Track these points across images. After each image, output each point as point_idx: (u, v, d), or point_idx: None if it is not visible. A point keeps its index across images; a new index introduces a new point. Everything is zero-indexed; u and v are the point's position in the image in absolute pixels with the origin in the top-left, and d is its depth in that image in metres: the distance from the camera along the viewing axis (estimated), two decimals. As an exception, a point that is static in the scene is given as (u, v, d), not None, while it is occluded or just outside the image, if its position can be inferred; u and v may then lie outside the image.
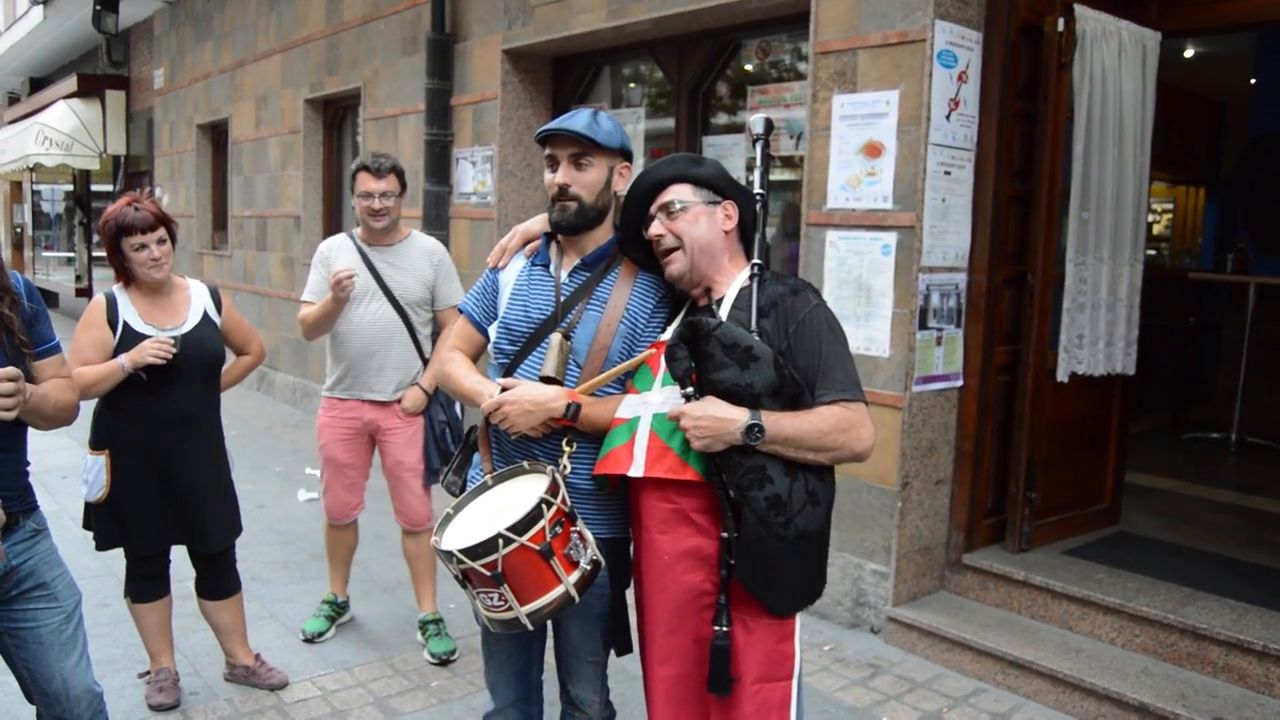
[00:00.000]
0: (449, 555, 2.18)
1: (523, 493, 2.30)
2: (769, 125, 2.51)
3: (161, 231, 3.51)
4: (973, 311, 4.57)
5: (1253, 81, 9.39)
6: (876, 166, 4.42)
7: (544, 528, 2.15)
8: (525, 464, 2.43)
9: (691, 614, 2.29)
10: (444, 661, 4.23)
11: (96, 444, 3.53)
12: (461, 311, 2.71)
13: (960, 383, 4.58)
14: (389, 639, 4.44)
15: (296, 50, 9.36)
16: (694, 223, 2.35)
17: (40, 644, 2.59)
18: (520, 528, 2.13)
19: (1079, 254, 4.58)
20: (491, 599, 2.21)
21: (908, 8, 4.31)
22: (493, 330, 2.62)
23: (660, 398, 2.28)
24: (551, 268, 2.57)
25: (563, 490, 2.25)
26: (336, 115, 9.34)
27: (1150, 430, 7.87)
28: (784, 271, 2.52)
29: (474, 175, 6.96)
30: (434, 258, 4.30)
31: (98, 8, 12.25)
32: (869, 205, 4.46)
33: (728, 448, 2.13)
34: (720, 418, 2.11)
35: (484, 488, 2.42)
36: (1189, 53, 9.14)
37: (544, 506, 2.16)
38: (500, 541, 2.12)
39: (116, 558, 3.71)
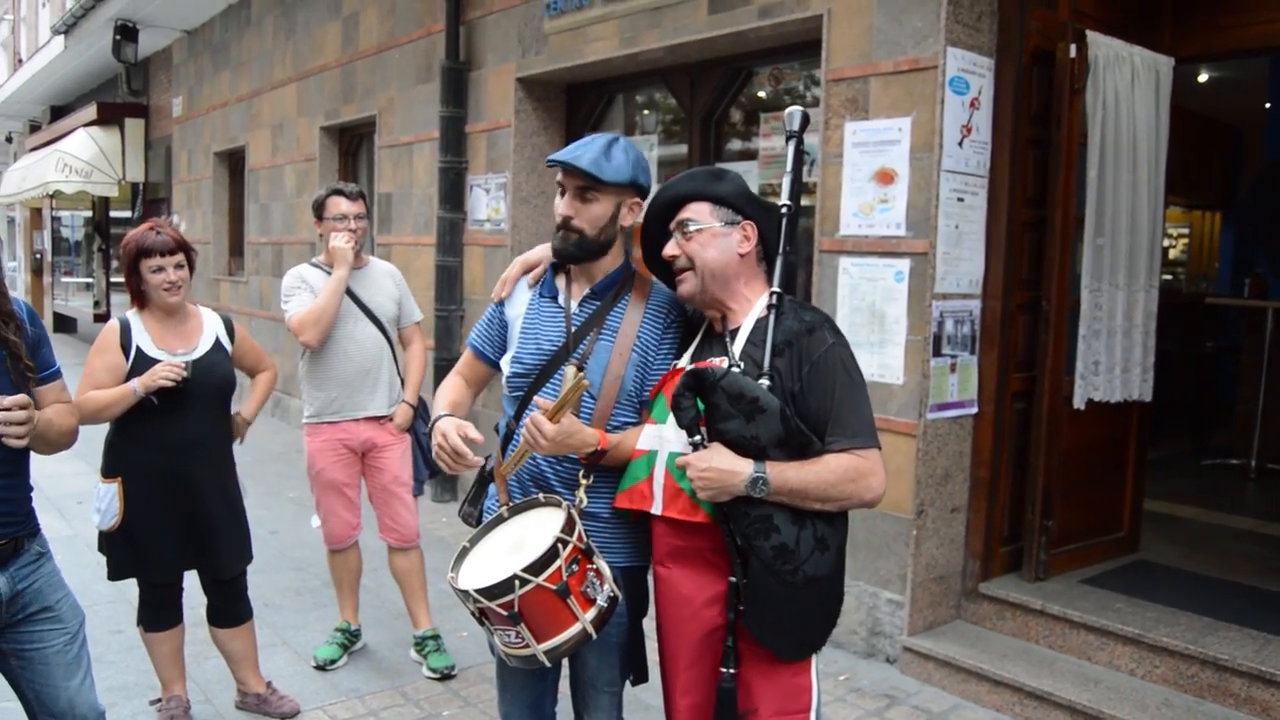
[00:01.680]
0: (465, 594, 2.17)
1: (539, 528, 2.29)
2: (805, 119, 2.41)
3: (180, 257, 3.54)
4: (987, 338, 4.55)
5: (1267, 106, 9.36)
6: (889, 193, 4.41)
7: (560, 567, 2.14)
8: (541, 497, 2.42)
9: (710, 647, 2.28)
10: (445, 677, 4.27)
11: (109, 472, 3.54)
12: (470, 346, 2.73)
13: (975, 410, 4.55)
14: (401, 667, 4.42)
15: (312, 79, 9.44)
16: (707, 245, 2.31)
17: (46, 665, 2.61)
18: (536, 568, 2.11)
19: (1094, 280, 4.55)
20: (509, 636, 2.20)
21: (919, 35, 4.32)
22: (505, 363, 2.61)
23: (675, 435, 2.25)
24: (560, 298, 2.55)
25: (579, 526, 2.24)
26: (352, 143, 9.41)
27: (1169, 456, 7.80)
28: (802, 300, 2.45)
29: (488, 202, 6.99)
30: (395, 277, 4.52)
31: (118, 37, 12.41)
32: (882, 232, 4.45)
33: (733, 498, 2.11)
34: (724, 470, 2.09)
35: (499, 520, 2.42)
36: (1203, 77, 9.12)
37: (560, 545, 2.15)
38: (516, 582, 2.11)
39: (130, 584, 3.72)
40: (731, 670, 2.20)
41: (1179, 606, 4.38)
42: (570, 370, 2.39)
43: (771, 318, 2.24)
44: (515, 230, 6.75)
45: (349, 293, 4.28)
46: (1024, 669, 4.14)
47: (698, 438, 2.14)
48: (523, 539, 2.28)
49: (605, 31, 5.93)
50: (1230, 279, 10.76)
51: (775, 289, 2.28)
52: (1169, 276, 12.09)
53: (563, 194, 2.46)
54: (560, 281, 2.58)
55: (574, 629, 2.18)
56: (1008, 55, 4.44)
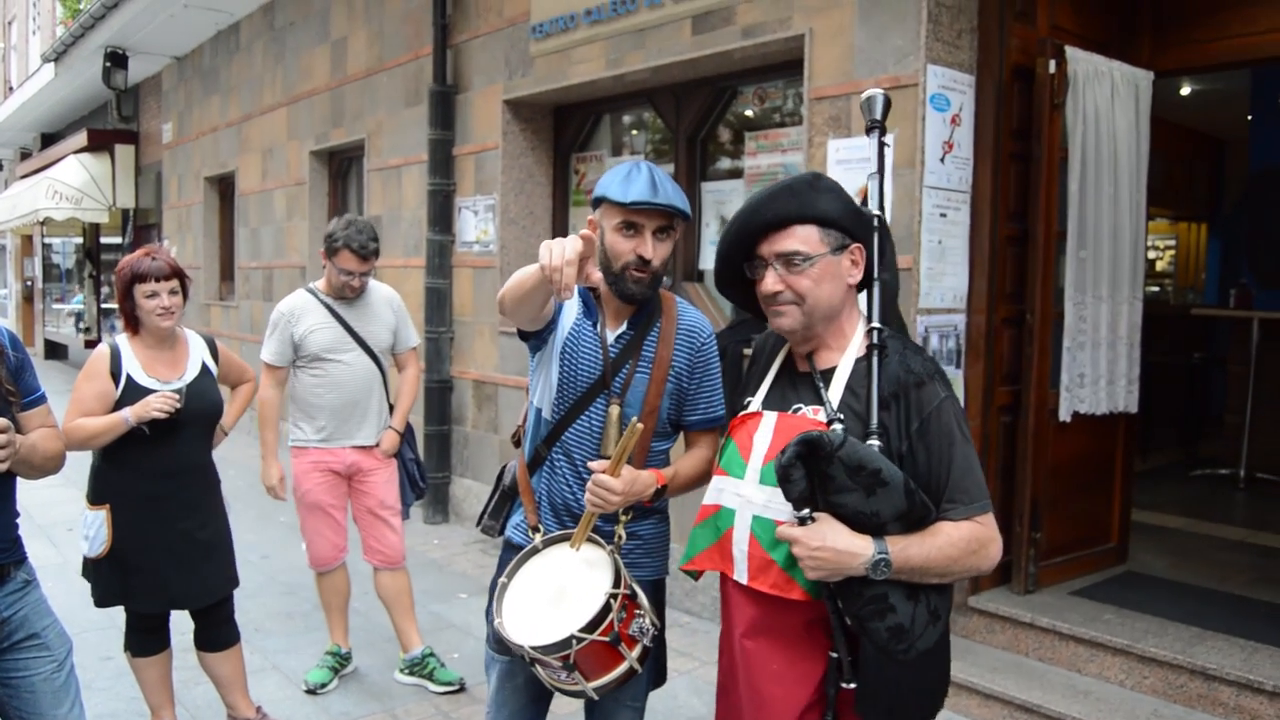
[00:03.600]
0: (519, 646, 2.21)
1: (583, 575, 2.32)
2: (887, 104, 2.17)
3: (174, 283, 3.56)
4: (972, 352, 4.57)
5: (1249, 118, 9.44)
6: (872, 209, 4.44)
7: (612, 620, 2.19)
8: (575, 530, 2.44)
9: (808, 710, 2.05)
10: (462, 688, 4.34)
11: (96, 498, 3.53)
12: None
13: (962, 423, 4.56)
14: (392, 689, 4.41)
15: (302, 103, 9.48)
16: (821, 281, 2.01)
17: (33, 693, 2.61)
18: (591, 627, 2.16)
19: (1078, 293, 4.59)
20: (559, 676, 2.25)
21: (900, 53, 4.36)
22: (541, 389, 2.53)
23: (760, 496, 2.01)
24: (597, 324, 2.48)
25: (624, 573, 2.27)
26: (341, 166, 9.44)
27: (1158, 467, 7.83)
28: (903, 338, 2.12)
29: (476, 224, 7.02)
30: (394, 304, 4.51)
31: (108, 64, 12.44)
32: (866, 248, 4.47)
33: (843, 578, 1.89)
34: (842, 550, 1.85)
35: (534, 551, 2.43)
36: (1186, 91, 9.20)
37: (611, 601, 2.19)
38: (574, 641, 2.15)
39: (119, 611, 3.71)
40: None
41: (1168, 617, 4.39)
42: (615, 411, 2.41)
43: (875, 361, 1.98)
44: (504, 252, 6.78)
45: (343, 323, 4.30)
46: (1014, 682, 4.15)
47: (805, 512, 1.89)
48: (565, 586, 2.32)
49: (591, 53, 5.98)
50: (1217, 290, 10.83)
51: (876, 324, 2.01)
52: (1156, 288, 12.17)
53: (632, 233, 2.35)
54: (595, 304, 2.51)
55: (622, 668, 2.25)
56: (988, 72, 4.49)
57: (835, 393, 2.02)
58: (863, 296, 2.14)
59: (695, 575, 2.27)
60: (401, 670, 4.50)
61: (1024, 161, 4.60)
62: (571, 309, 2.49)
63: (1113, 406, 4.82)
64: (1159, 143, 4.96)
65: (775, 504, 1.96)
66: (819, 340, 2.09)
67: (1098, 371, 4.74)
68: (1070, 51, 4.47)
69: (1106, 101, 4.62)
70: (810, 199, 2.03)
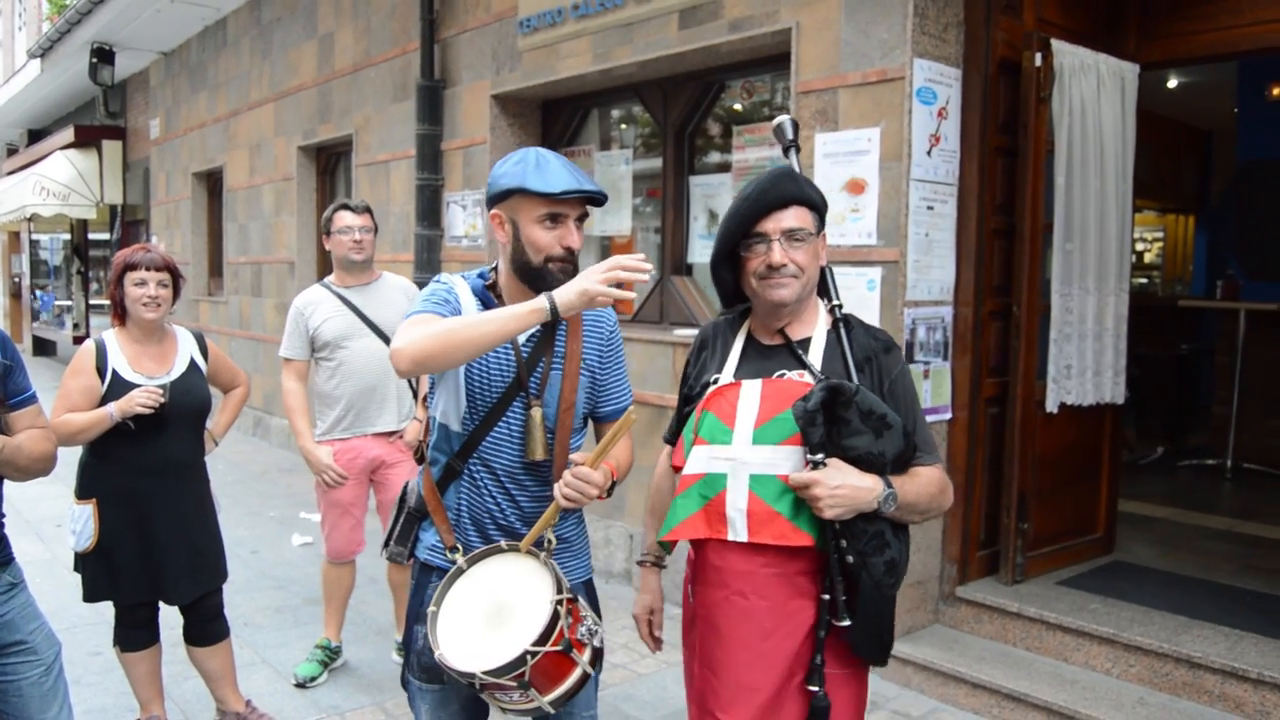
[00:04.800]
0: (469, 675, 2.08)
1: (520, 586, 2.23)
2: (795, 126, 2.39)
3: (165, 275, 3.57)
4: (959, 344, 4.59)
5: (1235, 110, 9.48)
6: (859, 203, 4.46)
7: (561, 627, 2.12)
8: (504, 544, 2.31)
9: (792, 678, 2.16)
10: None
11: (83, 493, 3.53)
12: (428, 313, 2.30)
13: (949, 415, 4.59)
14: (382, 683, 4.41)
15: (289, 99, 9.46)
16: (811, 258, 2.21)
17: (21, 697, 2.58)
18: (543, 639, 2.08)
19: (1064, 285, 4.61)
20: (511, 697, 2.15)
21: (886, 46, 4.37)
22: (446, 400, 2.40)
23: (757, 456, 2.11)
24: None
25: (563, 578, 2.21)
26: (329, 162, 9.43)
27: (1144, 458, 7.87)
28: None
29: (465, 219, 7.02)
30: (408, 292, 4.50)
31: (94, 60, 12.39)
32: (853, 241, 4.50)
33: (855, 514, 2.06)
34: (859, 487, 2.03)
35: (459, 572, 2.29)
36: (1173, 83, 9.24)
37: (559, 607, 2.12)
38: (528, 657, 2.07)
39: (108, 606, 3.71)
40: (822, 689, 2.12)
41: (1154, 606, 4.42)
42: (536, 414, 2.30)
43: (842, 332, 2.20)
44: (492, 246, 6.78)
45: (355, 310, 4.32)
46: (1001, 671, 4.17)
47: (820, 456, 2.04)
48: (504, 601, 2.21)
49: (578, 48, 5.98)
50: (1205, 281, 10.88)
51: (837, 301, 2.25)
52: (1144, 280, 12.23)
53: (549, 222, 2.26)
54: (496, 303, 2.38)
55: (575, 674, 2.17)
56: (974, 65, 4.50)
57: (815, 358, 2.20)
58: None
59: (669, 548, 2.42)
60: (396, 651, 4.60)
61: (1010, 154, 4.61)
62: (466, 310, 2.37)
63: (1099, 397, 4.85)
64: (1146, 135, 4.98)
65: (774, 460, 2.10)
66: (794, 315, 2.26)
67: (1084, 363, 4.76)
68: (1056, 44, 4.49)
69: (1092, 94, 4.64)
70: (802, 185, 2.22)
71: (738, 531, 2.12)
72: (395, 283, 4.53)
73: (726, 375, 2.25)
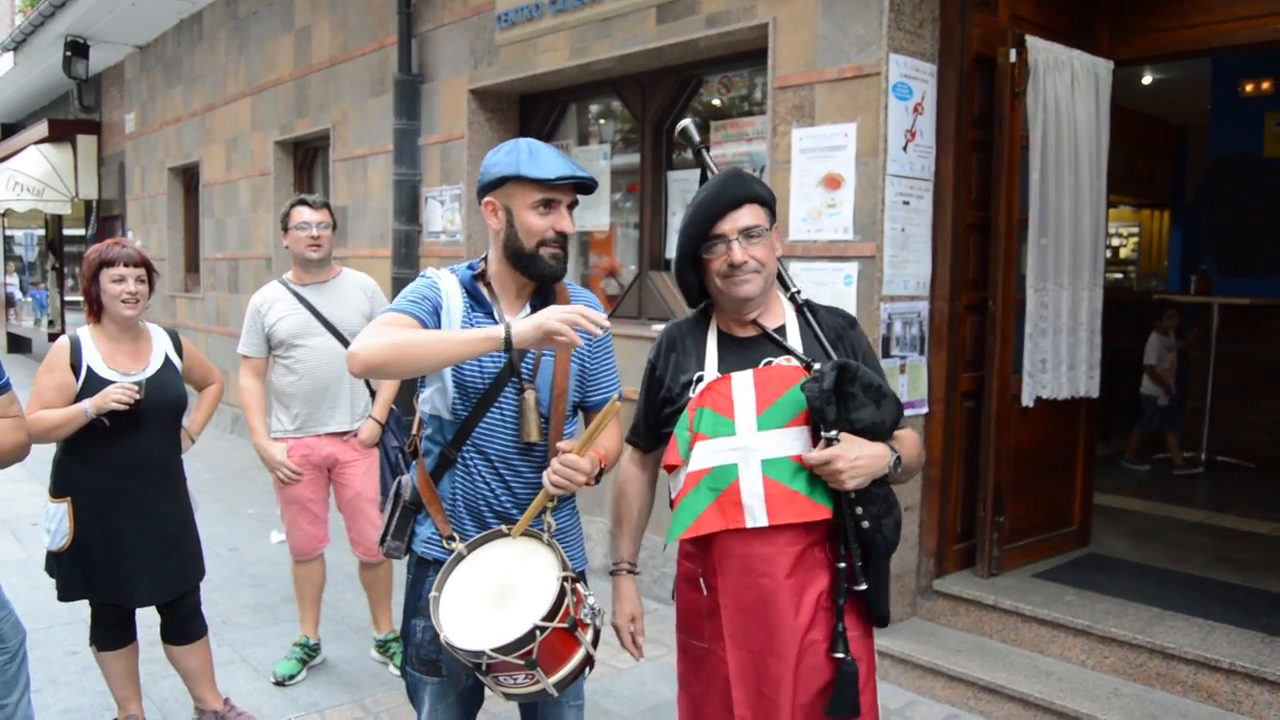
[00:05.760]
0: (476, 654, 2.12)
1: (523, 565, 2.27)
2: (699, 127, 2.54)
3: (142, 271, 3.56)
4: (935, 339, 4.62)
5: (1209, 106, 9.57)
6: (836, 198, 4.48)
7: (568, 605, 2.16)
8: (504, 528, 2.36)
9: (810, 647, 2.21)
10: None
11: (57, 491, 3.51)
12: (410, 315, 2.34)
13: (925, 410, 4.62)
14: (361, 680, 4.41)
15: (266, 93, 9.40)
16: (770, 251, 2.30)
17: None
18: (552, 614, 2.12)
19: (1039, 279, 4.64)
20: (516, 679, 2.18)
21: (862, 42, 4.39)
22: (437, 389, 2.44)
23: (765, 441, 2.19)
24: (495, 314, 2.41)
25: (567, 559, 2.26)
26: (306, 157, 9.38)
27: (1121, 452, 7.94)
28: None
29: (443, 214, 7.00)
30: (367, 290, 4.48)
31: (68, 54, 12.26)
32: (830, 236, 4.52)
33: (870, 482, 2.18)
34: (874, 455, 2.15)
35: (459, 558, 2.34)
36: (1147, 79, 9.31)
37: (565, 584, 2.16)
38: (537, 632, 2.10)
39: (85, 605, 3.69)
40: (848, 655, 2.19)
41: (1128, 598, 4.47)
42: (530, 396, 2.35)
43: (810, 315, 2.35)
44: (470, 241, 6.77)
45: (311, 308, 4.29)
46: (978, 663, 4.21)
47: (834, 433, 2.14)
48: (508, 582, 2.25)
49: (556, 42, 5.97)
50: (1179, 276, 10.97)
51: (796, 288, 2.40)
52: (1120, 275, 12.32)
53: (544, 208, 2.34)
54: (485, 293, 2.44)
55: (579, 654, 2.22)
56: (949, 61, 4.53)
57: (794, 343, 2.31)
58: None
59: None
60: (375, 648, 4.61)
61: (986, 150, 4.64)
62: (454, 310, 2.39)
63: (1074, 391, 4.89)
64: (1122, 131, 5.03)
65: (782, 443, 2.19)
66: (762, 305, 2.35)
67: (1059, 357, 4.80)
68: (1031, 41, 4.52)
69: (1067, 90, 4.67)
70: (750, 184, 2.32)
71: (756, 517, 2.18)
72: (354, 280, 4.49)
73: (711, 371, 2.31)
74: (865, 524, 2.18)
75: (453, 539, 2.40)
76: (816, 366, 2.21)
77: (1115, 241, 12.63)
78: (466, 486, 2.43)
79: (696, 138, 2.51)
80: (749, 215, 2.28)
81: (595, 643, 2.25)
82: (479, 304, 2.42)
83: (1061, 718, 3.87)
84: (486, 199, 2.40)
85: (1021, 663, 4.23)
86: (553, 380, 2.42)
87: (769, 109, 4.78)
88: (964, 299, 4.67)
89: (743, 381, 2.23)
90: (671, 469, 2.29)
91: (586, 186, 2.41)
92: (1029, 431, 4.80)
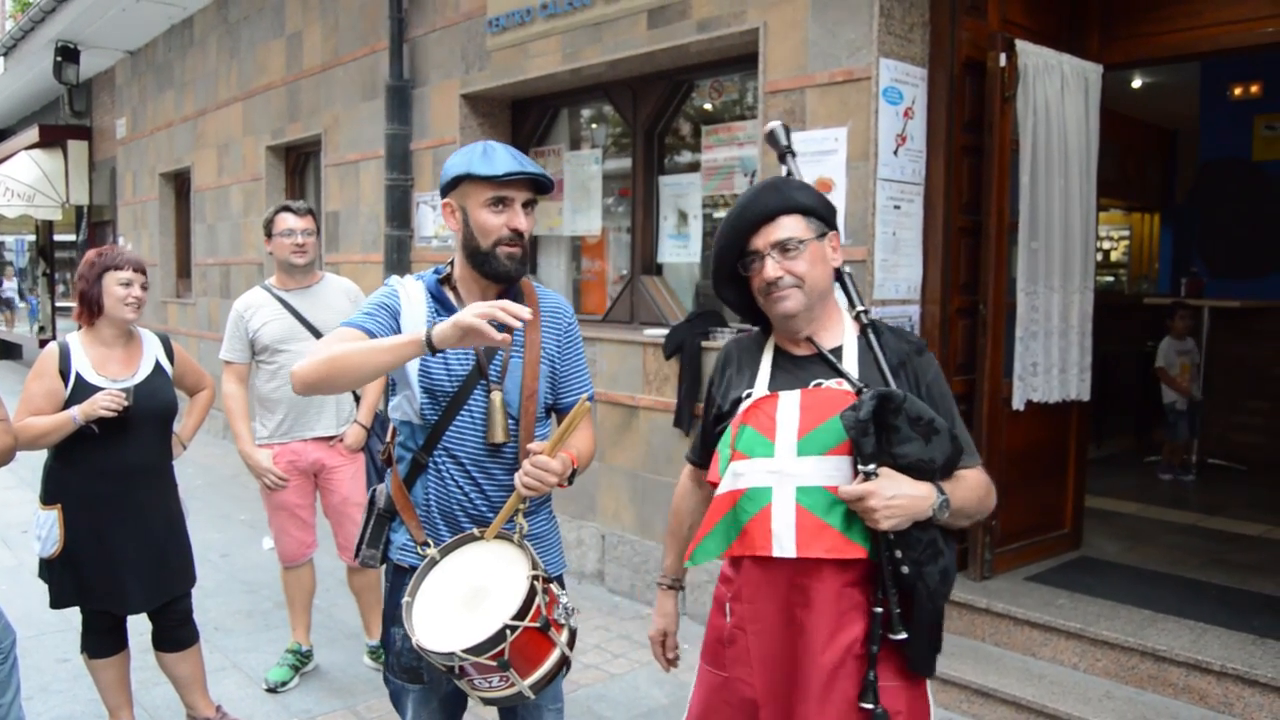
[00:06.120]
0: (447, 655, 2.10)
1: (495, 567, 2.25)
2: (788, 129, 2.37)
3: (144, 277, 3.58)
4: (927, 342, 4.61)
5: (1198, 110, 9.61)
6: (827, 202, 4.48)
7: (539, 604, 2.14)
8: (476, 531, 2.35)
9: (837, 693, 2.06)
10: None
11: (48, 499, 3.50)
12: (351, 325, 2.35)
13: (917, 413, 4.62)
14: (353, 687, 4.40)
15: (258, 98, 9.39)
16: (815, 262, 2.14)
17: None
18: (522, 613, 2.10)
19: (1030, 283, 4.65)
20: (491, 682, 2.16)
21: (853, 46, 4.40)
22: (406, 395, 2.44)
23: (802, 467, 2.05)
24: None
25: (538, 559, 2.25)
26: (298, 162, 9.37)
27: (1112, 454, 7.96)
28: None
29: (434, 219, 6.99)
30: (351, 294, 4.47)
31: (59, 59, 12.23)
32: (821, 240, 4.51)
33: (910, 524, 2.00)
34: (914, 496, 1.97)
35: (433, 563, 2.32)
36: (1138, 83, 9.34)
37: (535, 583, 2.14)
38: (508, 631, 2.08)
39: (77, 612, 3.68)
40: (877, 707, 2.03)
41: (1120, 600, 4.48)
42: (497, 398, 2.35)
43: (872, 337, 2.16)
44: (463, 246, 6.75)
45: (295, 313, 4.29)
46: (970, 667, 4.21)
47: (872, 466, 1.98)
48: (480, 584, 2.23)
49: (547, 47, 5.97)
50: (1170, 279, 11.01)
51: (861, 307, 2.21)
52: (1111, 278, 12.36)
53: (497, 206, 2.33)
54: (450, 297, 2.44)
55: (554, 656, 2.19)
56: (940, 65, 4.54)
57: (850, 366, 2.15)
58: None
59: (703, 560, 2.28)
60: (367, 654, 4.61)
61: (976, 154, 4.66)
62: (416, 316, 2.38)
63: (1065, 394, 4.90)
64: (1112, 134, 5.04)
65: (821, 472, 2.04)
66: (817, 323, 2.20)
67: (1050, 360, 4.81)
68: (1020, 45, 4.53)
69: (1056, 94, 4.68)
70: (788, 193, 2.18)
71: (784, 547, 2.04)
72: (338, 285, 4.49)
73: (760, 388, 2.19)
74: (905, 569, 2.00)
75: (427, 545, 2.39)
76: (865, 394, 2.03)
77: (1106, 244, 12.67)
78: (440, 491, 2.42)
79: (784, 141, 2.37)
80: (785, 227, 2.14)
81: (571, 644, 2.23)
82: (444, 308, 2.39)
83: (1054, 721, 3.88)
84: (444, 201, 2.41)
85: (1014, 666, 4.23)
86: (522, 381, 2.40)
87: (760, 113, 4.79)
88: (955, 302, 4.68)
89: (789, 402, 2.11)
90: (715, 485, 2.19)
91: (543, 186, 2.40)
92: (1020, 435, 4.81)
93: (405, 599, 2.26)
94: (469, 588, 2.24)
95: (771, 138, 2.41)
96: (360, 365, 2.15)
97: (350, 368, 2.16)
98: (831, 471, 2.03)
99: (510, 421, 2.38)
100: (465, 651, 2.08)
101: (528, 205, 2.38)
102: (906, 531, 1.99)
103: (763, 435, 2.10)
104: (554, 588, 2.26)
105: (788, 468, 2.06)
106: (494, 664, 2.10)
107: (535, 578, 2.16)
